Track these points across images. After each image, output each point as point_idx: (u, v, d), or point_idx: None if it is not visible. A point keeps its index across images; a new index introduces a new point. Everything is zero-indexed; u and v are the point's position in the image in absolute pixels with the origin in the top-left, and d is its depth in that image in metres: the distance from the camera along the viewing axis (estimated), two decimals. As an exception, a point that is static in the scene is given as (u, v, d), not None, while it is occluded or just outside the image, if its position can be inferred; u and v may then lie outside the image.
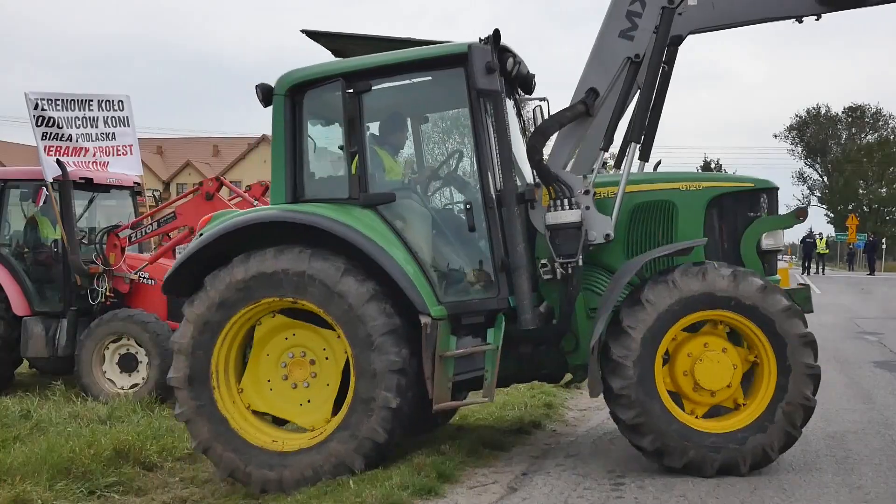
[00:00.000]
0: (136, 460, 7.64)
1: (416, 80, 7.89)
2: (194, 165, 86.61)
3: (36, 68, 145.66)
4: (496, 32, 7.21)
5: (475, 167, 7.46)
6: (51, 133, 11.75)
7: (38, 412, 9.30)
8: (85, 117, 12.24)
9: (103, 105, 12.53)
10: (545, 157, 7.67)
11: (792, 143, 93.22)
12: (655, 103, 7.70)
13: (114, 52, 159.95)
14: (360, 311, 6.97)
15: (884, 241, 59.61)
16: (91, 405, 9.79)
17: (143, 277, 11.37)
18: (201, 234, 7.53)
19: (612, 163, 8.17)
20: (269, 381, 7.34)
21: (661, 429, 6.96)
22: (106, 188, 12.45)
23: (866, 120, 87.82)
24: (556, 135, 7.64)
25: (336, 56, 8.53)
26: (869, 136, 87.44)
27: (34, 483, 6.86)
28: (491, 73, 7.13)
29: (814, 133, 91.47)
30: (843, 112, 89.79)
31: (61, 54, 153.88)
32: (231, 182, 13.18)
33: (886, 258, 61.07)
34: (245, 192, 12.59)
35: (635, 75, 7.57)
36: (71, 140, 11.96)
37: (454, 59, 7.39)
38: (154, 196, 13.86)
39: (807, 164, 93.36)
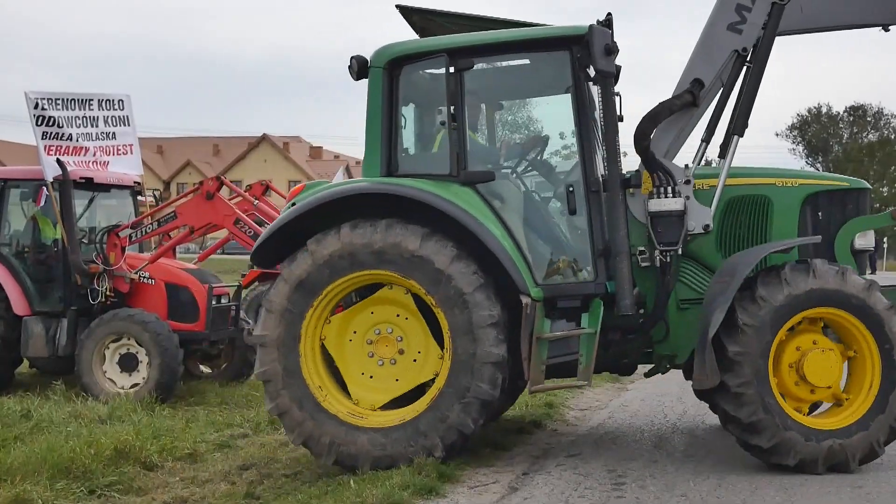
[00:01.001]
0: (136, 460, 7.62)
1: (514, 61, 7.98)
2: (194, 165, 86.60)
3: (36, 68, 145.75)
4: (610, 15, 7.32)
5: (579, 150, 7.52)
6: (51, 132, 11.72)
7: (38, 412, 9.28)
8: (85, 117, 12.21)
9: (103, 104, 12.50)
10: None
11: (793, 143, 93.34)
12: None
13: (114, 52, 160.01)
14: (468, 297, 7.00)
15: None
16: (91, 405, 9.77)
17: (144, 277, 11.35)
18: (293, 204, 7.51)
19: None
20: (354, 332, 7.40)
21: (779, 426, 6.97)
22: (106, 188, 12.41)
23: (868, 119, 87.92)
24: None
25: (421, 35, 8.54)
26: (870, 136, 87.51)
27: (34, 483, 6.84)
28: (610, 54, 7.18)
29: (815, 132, 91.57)
30: (844, 111, 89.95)
31: (61, 54, 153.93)
32: (231, 181, 13.18)
33: (888, 257, 61.10)
34: (245, 191, 12.59)
35: (740, 69, 7.67)
36: (71, 139, 11.92)
37: (561, 42, 7.48)
38: (154, 195, 13.82)
39: (808, 164, 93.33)
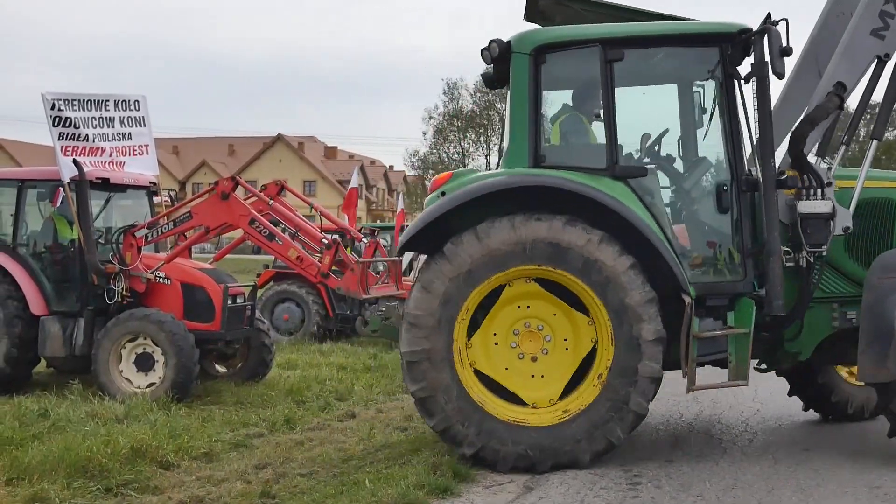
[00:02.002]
0: (152, 459, 7.66)
1: (661, 55, 7.97)
2: (210, 165, 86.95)
3: (51, 69, 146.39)
4: (770, 15, 7.34)
5: (729, 149, 7.57)
6: (67, 133, 11.76)
7: (55, 411, 9.33)
8: (101, 117, 12.25)
9: (120, 105, 12.54)
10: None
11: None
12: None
13: (131, 52, 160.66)
14: (621, 278, 7.06)
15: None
16: (108, 404, 9.82)
17: (160, 277, 11.38)
18: (443, 193, 7.48)
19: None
20: (496, 343, 7.40)
21: None
22: (122, 188, 12.46)
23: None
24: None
25: (543, 24, 8.51)
26: (888, 135, 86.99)
27: (52, 481, 6.89)
28: (784, 55, 7.21)
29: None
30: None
31: (77, 55, 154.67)
32: (246, 181, 13.19)
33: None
34: (260, 191, 12.59)
35: (880, 73, 7.76)
36: (87, 140, 11.97)
37: (714, 38, 7.55)
38: (170, 196, 13.84)
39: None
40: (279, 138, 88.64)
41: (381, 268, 12.49)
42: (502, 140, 8.50)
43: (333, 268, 10.80)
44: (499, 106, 67.16)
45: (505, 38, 7.70)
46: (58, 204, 11.90)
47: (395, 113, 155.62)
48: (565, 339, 7.38)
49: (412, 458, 7.59)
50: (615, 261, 7.08)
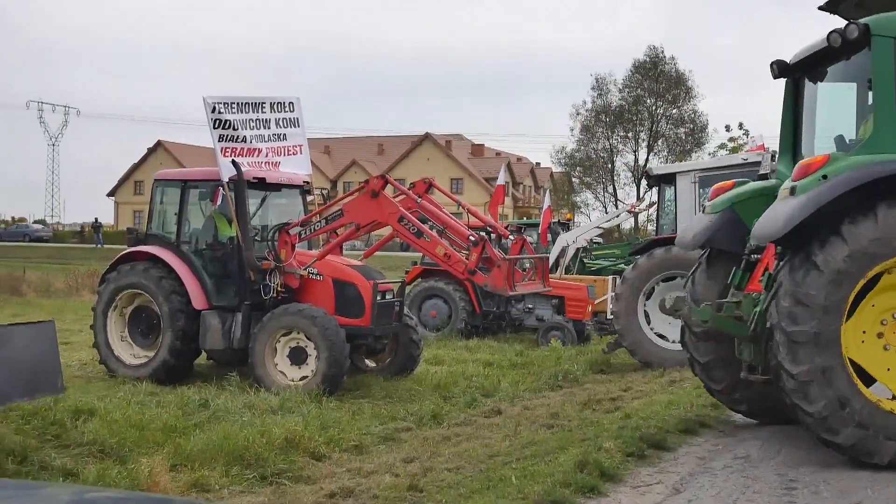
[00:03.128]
0: (305, 449, 7.89)
1: None
2: (360, 164, 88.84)
3: (213, 72, 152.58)
4: None
5: None
6: (227, 135, 12.18)
7: (215, 402, 9.71)
8: (258, 119, 12.64)
9: (275, 107, 12.92)
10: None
11: None
12: None
13: (285, 54, 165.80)
14: None
15: None
16: (264, 396, 10.15)
17: (312, 273, 11.68)
18: (824, 177, 7.31)
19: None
20: (864, 332, 7.37)
21: None
22: (277, 187, 12.84)
23: None
24: None
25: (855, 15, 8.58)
26: None
27: (211, 468, 7.21)
28: None
29: None
30: None
31: (234, 58, 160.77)
32: (395, 179, 13.41)
33: None
34: (409, 189, 12.78)
35: None
36: (245, 141, 12.38)
37: None
38: (322, 194, 14.23)
39: None
40: (427, 137, 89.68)
41: (527, 264, 12.46)
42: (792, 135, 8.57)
43: (480, 265, 10.84)
44: (648, 101, 66.02)
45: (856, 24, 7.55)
46: (218, 203, 12.40)
47: (542, 109, 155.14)
48: None
49: (558, 455, 7.54)
50: None
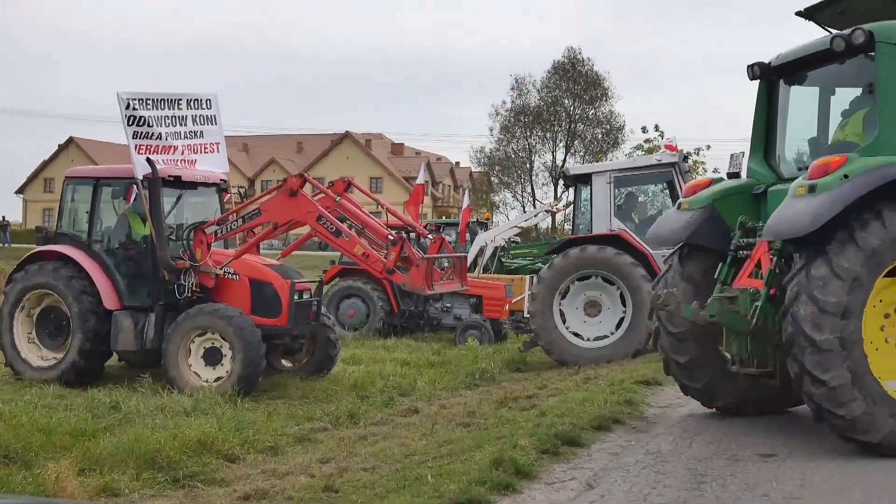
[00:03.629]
0: (219, 452, 7.80)
1: None
2: (278, 162, 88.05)
3: (126, 69, 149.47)
4: None
5: None
6: (141, 132, 11.96)
7: (126, 404, 9.54)
8: (174, 116, 12.44)
9: (192, 104, 12.72)
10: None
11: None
12: None
13: (201, 50, 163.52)
14: None
15: None
16: (177, 397, 10.01)
17: (228, 273, 11.55)
18: (846, 176, 7.44)
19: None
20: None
21: None
22: (193, 185, 12.65)
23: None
24: None
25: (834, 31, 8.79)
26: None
27: (121, 472, 7.08)
28: None
29: None
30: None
31: (150, 55, 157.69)
32: (314, 178, 13.33)
33: None
34: (328, 188, 12.72)
35: None
36: (160, 138, 12.16)
37: None
38: (239, 193, 14.06)
39: None
40: (346, 136, 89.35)
41: (445, 264, 12.52)
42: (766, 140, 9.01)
43: (399, 264, 10.86)
44: (565, 102, 66.82)
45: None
46: (131, 201, 12.17)
47: (461, 109, 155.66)
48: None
49: (474, 453, 7.58)
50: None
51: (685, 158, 15.87)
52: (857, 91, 8.73)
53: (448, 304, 18.86)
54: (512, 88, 68.61)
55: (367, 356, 14.28)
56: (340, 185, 12.18)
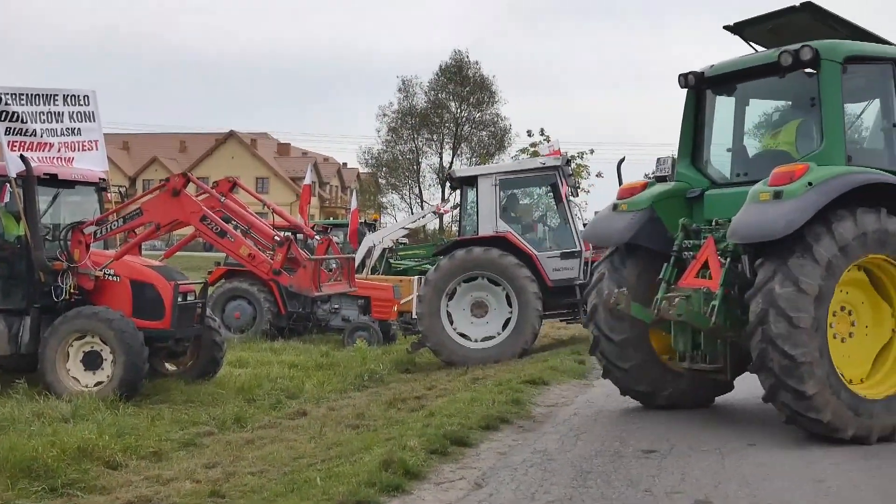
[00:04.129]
0: (99, 459, 7.58)
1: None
2: (161, 161, 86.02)
3: (7, 65, 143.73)
4: None
5: None
6: (15, 128, 11.55)
7: (0, 411, 9.18)
8: (50, 112, 12.04)
9: (69, 100, 12.33)
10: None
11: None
12: None
13: (79, 46, 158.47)
14: None
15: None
16: (54, 403, 9.67)
17: (108, 274, 11.24)
18: (810, 184, 7.93)
19: None
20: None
21: None
22: (71, 184, 12.25)
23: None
24: None
25: (758, 47, 9.63)
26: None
27: (-5, 482, 6.78)
28: None
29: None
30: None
31: (17, 47, 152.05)
32: (198, 178, 13.09)
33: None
34: (212, 188, 12.51)
35: None
36: (35, 135, 11.76)
37: None
38: (120, 192, 13.68)
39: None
40: (231, 135, 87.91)
41: (333, 265, 12.46)
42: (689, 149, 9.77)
43: (286, 265, 10.76)
44: (452, 105, 67.30)
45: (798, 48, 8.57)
46: (4, 200, 11.69)
47: (349, 110, 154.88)
48: (866, 326, 8.31)
49: (363, 455, 7.58)
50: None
51: (568, 162, 16.20)
52: (769, 103, 9.73)
53: (336, 306, 18.78)
54: (399, 90, 68.76)
55: (254, 359, 14.10)
56: (225, 185, 11.99)
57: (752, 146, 9.86)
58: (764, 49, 9.52)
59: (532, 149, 49.42)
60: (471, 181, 15.66)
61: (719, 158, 9.81)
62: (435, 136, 68.34)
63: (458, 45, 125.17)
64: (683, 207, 9.46)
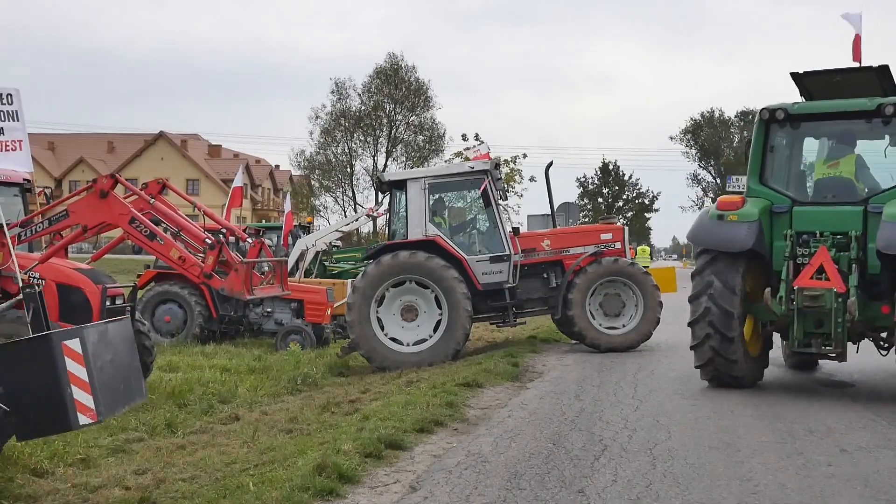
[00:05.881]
0: (24, 466, 7.40)
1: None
2: (88, 162, 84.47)
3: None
4: None
5: None
6: (-66, 127, 11.28)
7: (-81, 418, 8.89)
8: (-29, 111, 11.76)
9: (-9, 98, 12.06)
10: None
11: (687, 146, 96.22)
12: None
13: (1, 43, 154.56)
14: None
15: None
16: (-23, 410, 9.40)
17: (33, 277, 10.95)
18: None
19: None
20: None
21: None
22: (-7, 185, 12.00)
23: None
24: None
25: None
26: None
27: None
28: None
29: (708, 136, 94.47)
30: (735, 116, 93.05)
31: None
32: (127, 179, 12.85)
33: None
34: (141, 189, 12.30)
35: None
36: (-44, 135, 11.49)
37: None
38: (45, 193, 13.38)
39: (701, 167, 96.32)
40: (161, 136, 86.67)
41: (265, 268, 12.34)
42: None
43: (217, 268, 10.63)
44: (387, 107, 67.23)
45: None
46: (-77, 201, 11.35)
47: (281, 112, 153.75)
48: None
49: (297, 459, 7.52)
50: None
51: (497, 166, 16.28)
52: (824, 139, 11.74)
53: (269, 309, 18.61)
54: (332, 92, 68.45)
55: (185, 363, 13.90)
56: (155, 187, 11.79)
57: (815, 171, 11.64)
58: (805, 98, 11.75)
59: (466, 153, 49.62)
60: (400, 185, 15.63)
61: (785, 180, 11.53)
62: (370, 139, 68.21)
63: (391, 49, 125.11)
64: (773, 220, 11.13)
